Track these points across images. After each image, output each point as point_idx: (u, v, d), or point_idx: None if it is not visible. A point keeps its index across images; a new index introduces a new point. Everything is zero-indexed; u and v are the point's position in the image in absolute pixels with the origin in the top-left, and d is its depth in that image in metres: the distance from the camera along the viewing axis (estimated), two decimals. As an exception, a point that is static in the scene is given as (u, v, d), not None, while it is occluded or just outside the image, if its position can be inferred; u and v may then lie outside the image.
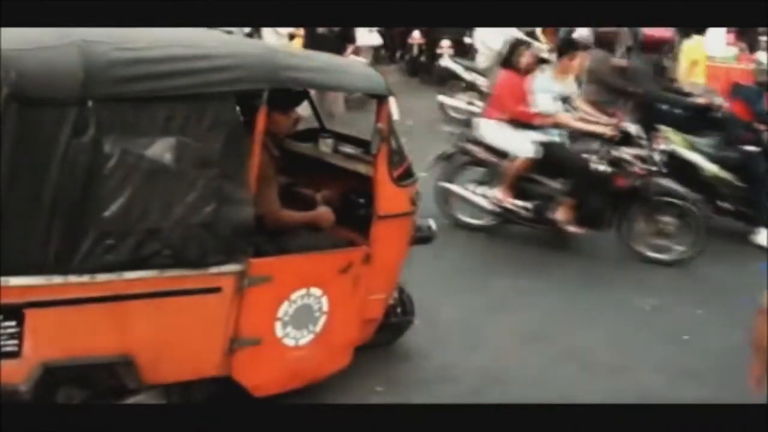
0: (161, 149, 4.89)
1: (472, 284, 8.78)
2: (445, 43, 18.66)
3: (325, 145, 6.90)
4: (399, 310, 7.04)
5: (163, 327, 5.14)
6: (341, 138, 7.01)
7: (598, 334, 7.71)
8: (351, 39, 14.60)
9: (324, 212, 6.29)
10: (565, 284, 8.90)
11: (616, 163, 9.60)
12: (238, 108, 5.26)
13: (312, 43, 13.55)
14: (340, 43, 13.77)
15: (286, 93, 5.90)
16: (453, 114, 15.34)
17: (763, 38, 17.49)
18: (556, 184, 9.78)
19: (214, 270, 5.20)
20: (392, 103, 6.07)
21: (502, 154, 9.88)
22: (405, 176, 6.35)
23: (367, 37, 17.19)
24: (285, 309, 5.70)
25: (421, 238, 6.84)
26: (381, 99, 6.03)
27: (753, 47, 17.77)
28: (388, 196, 6.11)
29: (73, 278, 4.72)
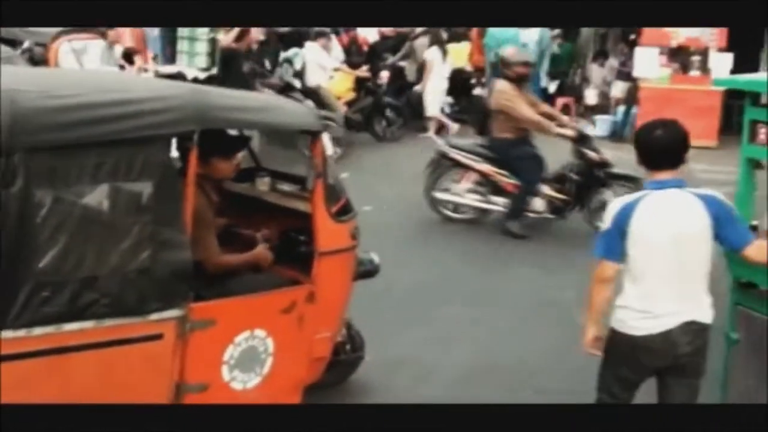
0: (93, 196, 4.84)
1: (422, 315, 8.75)
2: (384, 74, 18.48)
3: (263, 184, 6.88)
4: (348, 347, 6.99)
5: (105, 378, 5.04)
6: (278, 176, 6.98)
7: (550, 356, 7.71)
8: None
9: (261, 252, 6.24)
10: (516, 304, 8.90)
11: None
12: (177, 152, 5.22)
13: None
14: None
15: (226, 138, 5.89)
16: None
17: (696, 58, 17.79)
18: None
19: (154, 317, 5.12)
20: (326, 139, 6.04)
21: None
22: (343, 211, 6.32)
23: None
24: (230, 352, 5.63)
25: (365, 272, 6.79)
26: (314, 135, 6.01)
27: (686, 67, 18.05)
28: (328, 232, 6.08)
29: (8, 333, 4.62)
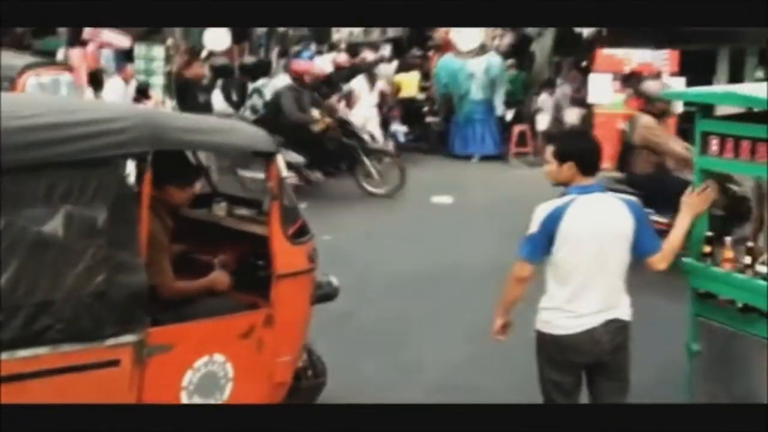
0: (46, 219, 4.79)
1: (385, 341, 8.72)
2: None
3: (219, 209, 6.83)
4: (309, 372, 6.92)
5: (61, 406, 4.96)
6: (234, 201, 6.94)
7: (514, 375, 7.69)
8: None
9: (217, 276, 6.19)
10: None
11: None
12: (133, 175, 5.16)
13: None
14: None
15: (183, 167, 5.85)
16: None
17: (650, 82, 17.88)
18: None
19: (110, 342, 5.06)
20: (280, 161, 6.02)
21: None
22: (300, 233, 6.28)
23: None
24: (189, 378, 5.57)
25: (323, 295, 6.74)
26: (269, 157, 5.99)
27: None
28: (285, 255, 6.04)
29: (-39, 360, 4.55)
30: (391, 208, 14.60)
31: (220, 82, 16.77)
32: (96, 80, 13.75)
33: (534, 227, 5.41)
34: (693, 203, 5.96)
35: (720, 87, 7.55)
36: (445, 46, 20.07)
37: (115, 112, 5.57)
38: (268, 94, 16.50)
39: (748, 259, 5.90)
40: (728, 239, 6.05)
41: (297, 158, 14.35)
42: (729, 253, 6.00)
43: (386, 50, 23.95)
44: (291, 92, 15.00)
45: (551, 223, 5.33)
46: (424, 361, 8.27)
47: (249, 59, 18.99)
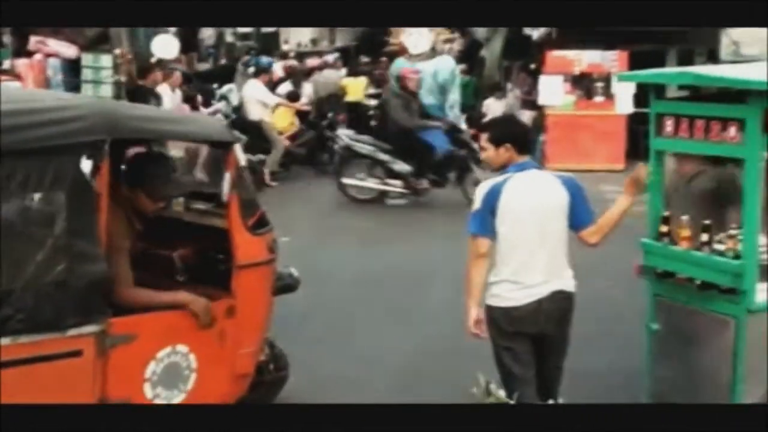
0: (4, 208, 4.76)
1: (345, 333, 8.75)
2: None
3: (177, 204, 6.79)
4: (272, 366, 6.90)
5: (22, 398, 4.85)
6: (193, 195, 6.91)
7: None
8: None
9: (186, 298, 5.83)
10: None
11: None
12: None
13: None
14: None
15: (159, 182, 5.89)
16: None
17: (599, 84, 18.10)
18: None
19: (72, 332, 5.03)
20: (238, 151, 6.01)
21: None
22: (260, 224, 6.27)
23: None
24: (153, 368, 5.54)
25: (284, 286, 6.73)
26: (227, 147, 5.98)
27: (590, 94, 18.35)
28: (245, 245, 6.02)
29: None
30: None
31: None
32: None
33: (477, 204, 5.74)
34: (629, 187, 6.06)
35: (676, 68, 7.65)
36: (401, 51, 19.97)
37: (71, 101, 5.55)
38: (234, 100, 17.36)
39: (705, 237, 5.97)
40: (684, 218, 6.11)
41: (404, 167, 14.77)
42: (686, 232, 6.06)
43: (331, 58, 24.15)
44: (399, 99, 15.16)
45: (492, 198, 5.66)
46: (388, 351, 8.34)
47: (203, 66, 19.06)
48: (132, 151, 6.41)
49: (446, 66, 18.67)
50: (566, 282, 5.80)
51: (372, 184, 15.09)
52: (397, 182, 14.99)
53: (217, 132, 6.10)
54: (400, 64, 18.68)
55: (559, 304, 5.74)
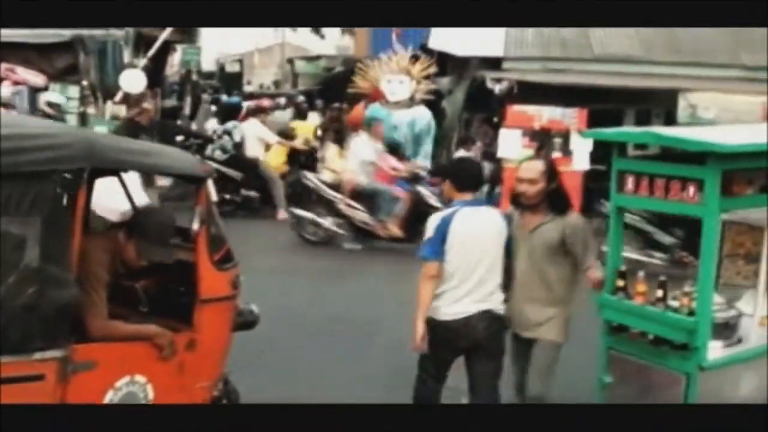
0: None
1: (299, 369, 8.80)
2: None
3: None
4: (224, 401, 6.92)
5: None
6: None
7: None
8: None
9: (158, 331, 5.91)
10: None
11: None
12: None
13: None
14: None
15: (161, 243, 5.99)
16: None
17: (558, 140, 18.27)
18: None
19: (37, 356, 5.04)
20: (210, 187, 6.09)
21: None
22: (225, 260, 6.34)
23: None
24: (110, 397, 5.54)
25: (244, 323, 6.78)
26: (199, 182, 6.06)
27: (548, 149, 18.48)
28: (210, 280, 6.08)
29: None
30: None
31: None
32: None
33: (429, 232, 6.55)
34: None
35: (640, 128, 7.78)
36: (374, 96, 19.42)
37: (52, 129, 5.61)
38: (237, 136, 17.52)
39: (659, 293, 6.12)
40: (641, 273, 6.26)
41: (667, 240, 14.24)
42: (642, 287, 6.21)
43: (283, 101, 24.37)
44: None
45: (444, 227, 6.46)
46: (339, 382, 8.34)
47: (168, 103, 19.15)
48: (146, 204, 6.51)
49: (423, 116, 18.73)
50: (496, 304, 6.54)
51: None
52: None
53: (191, 167, 6.18)
54: (375, 111, 18.60)
55: (487, 323, 6.47)
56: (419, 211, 14.09)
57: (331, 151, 16.91)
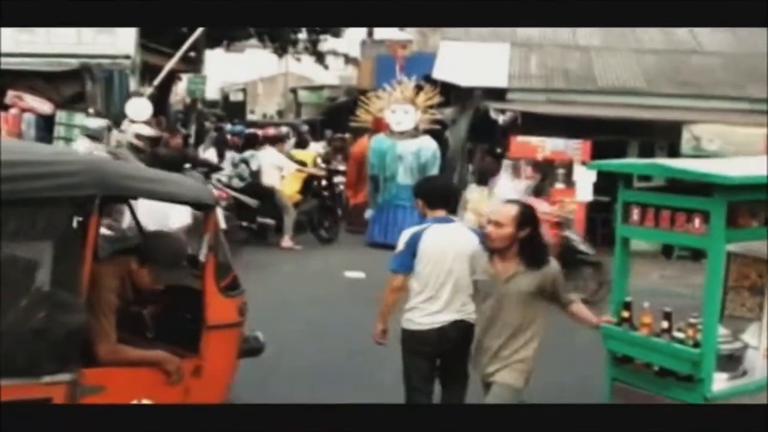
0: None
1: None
2: None
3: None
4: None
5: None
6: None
7: None
8: None
9: (166, 357, 5.99)
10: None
11: None
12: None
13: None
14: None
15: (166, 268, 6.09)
16: None
17: (561, 171, 18.27)
18: None
19: (46, 379, 5.08)
20: (219, 214, 6.15)
21: None
22: (232, 287, 6.38)
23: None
24: (117, 422, 5.56)
25: (250, 350, 6.82)
26: (208, 210, 6.11)
27: (551, 180, 18.49)
28: (217, 306, 6.13)
29: None
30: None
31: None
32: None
33: (400, 246, 6.86)
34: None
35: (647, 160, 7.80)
36: (377, 126, 19.20)
37: (64, 156, 5.67)
38: (254, 165, 17.60)
39: (665, 324, 6.13)
40: (646, 304, 6.28)
41: None
42: (647, 318, 6.22)
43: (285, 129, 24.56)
44: None
45: (413, 242, 6.76)
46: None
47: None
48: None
49: (429, 146, 18.52)
50: (468, 314, 6.70)
51: None
52: None
53: (200, 194, 6.24)
54: (379, 141, 18.50)
55: (458, 332, 6.71)
56: (568, 259, 12.04)
57: (475, 193, 16.62)
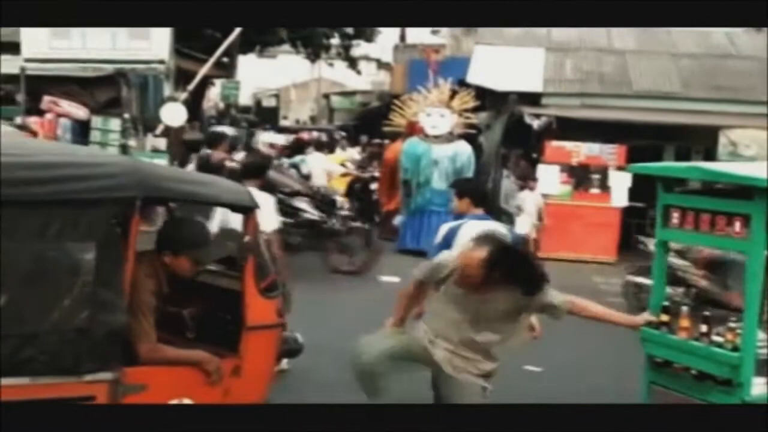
0: (38, 254, 4.91)
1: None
2: None
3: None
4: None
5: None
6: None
7: None
8: None
9: (205, 357, 5.96)
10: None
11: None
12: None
13: None
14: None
15: (203, 245, 6.07)
16: None
17: (596, 176, 18.30)
18: None
19: (88, 378, 5.12)
20: (258, 216, 6.19)
21: None
22: (271, 288, 6.42)
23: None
24: (158, 420, 5.61)
25: (289, 351, 6.87)
26: (248, 212, 6.15)
27: (586, 185, 18.52)
28: (256, 307, 6.15)
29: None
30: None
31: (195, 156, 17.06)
32: None
33: (439, 238, 7.32)
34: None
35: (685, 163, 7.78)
36: (411, 130, 19.06)
37: (107, 158, 5.73)
38: (304, 169, 18.15)
39: (704, 328, 6.12)
40: (684, 308, 6.27)
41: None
42: (685, 322, 6.22)
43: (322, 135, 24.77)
44: None
45: (450, 235, 7.15)
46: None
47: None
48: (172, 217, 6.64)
49: (464, 150, 18.50)
50: None
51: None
52: None
53: (240, 197, 6.27)
54: (414, 144, 18.49)
55: None
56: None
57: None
